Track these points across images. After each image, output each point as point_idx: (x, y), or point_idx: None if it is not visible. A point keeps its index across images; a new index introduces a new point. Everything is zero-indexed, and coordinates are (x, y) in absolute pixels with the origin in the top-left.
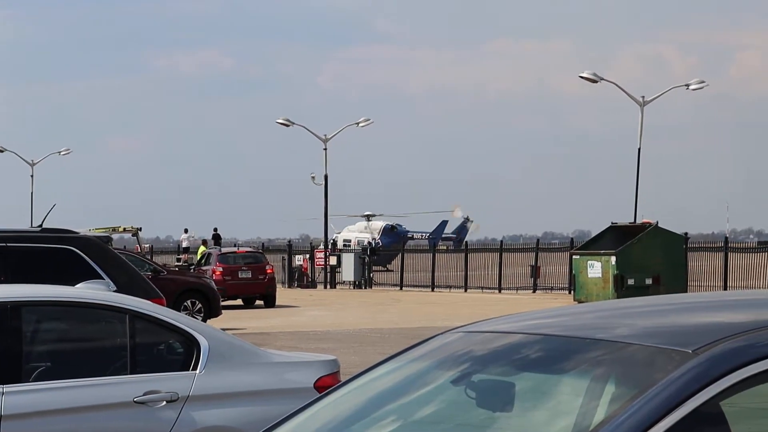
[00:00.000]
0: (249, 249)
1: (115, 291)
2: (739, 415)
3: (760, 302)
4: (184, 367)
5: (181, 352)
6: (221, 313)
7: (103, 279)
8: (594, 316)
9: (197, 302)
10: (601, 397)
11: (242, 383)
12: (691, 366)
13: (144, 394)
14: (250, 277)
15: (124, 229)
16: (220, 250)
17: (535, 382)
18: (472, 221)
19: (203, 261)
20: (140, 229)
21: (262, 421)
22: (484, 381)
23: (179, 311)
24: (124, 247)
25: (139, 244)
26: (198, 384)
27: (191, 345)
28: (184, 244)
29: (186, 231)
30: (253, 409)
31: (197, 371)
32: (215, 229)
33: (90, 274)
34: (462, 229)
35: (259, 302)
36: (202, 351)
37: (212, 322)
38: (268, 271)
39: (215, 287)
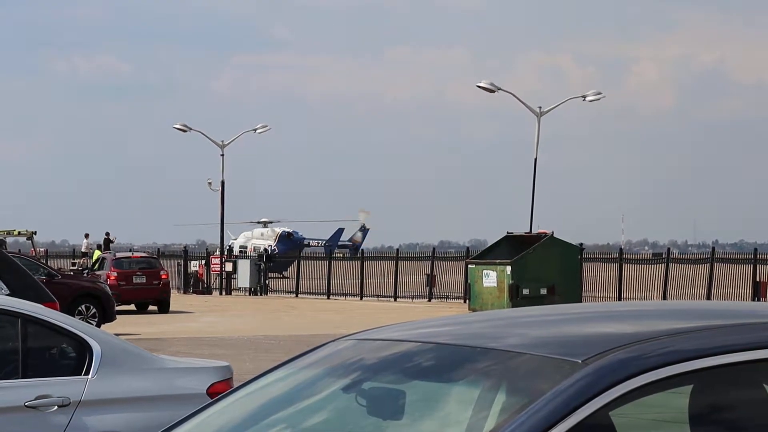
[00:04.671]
0: (144, 254)
1: (7, 294)
2: (630, 426)
3: (650, 313)
4: (77, 372)
5: (74, 357)
6: (115, 318)
7: None
8: (486, 325)
9: (92, 307)
10: (491, 406)
11: (134, 389)
12: (579, 376)
13: (35, 399)
14: (145, 282)
15: (19, 232)
16: (114, 255)
17: (425, 391)
18: (368, 229)
19: (97, 266)
20: (35, 233)
21: (154, 426)
22: (374, 389)
23: (73, 316)
24: (19, 250)
25: (33, 247)
26: (90, 389)
27: (84, 350)
28: (83, 249)
29: (87, 236)
30: (145, 414)
31: (89, 376)
32: (107, 234)
33: None
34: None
35: (153, 308)
36: (94, 356)
37: (106, 327)
38: (163, 276)
39: (110, 292)
